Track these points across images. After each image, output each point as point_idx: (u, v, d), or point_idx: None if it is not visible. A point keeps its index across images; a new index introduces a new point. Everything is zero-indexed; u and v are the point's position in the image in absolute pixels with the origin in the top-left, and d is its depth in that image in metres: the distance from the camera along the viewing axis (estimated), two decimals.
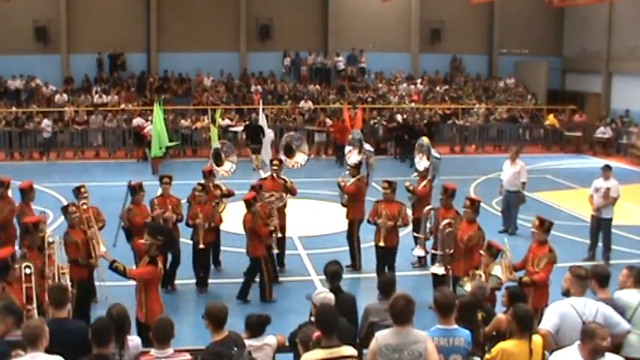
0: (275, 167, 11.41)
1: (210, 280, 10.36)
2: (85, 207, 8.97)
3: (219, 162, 11.79)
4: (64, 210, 8.79)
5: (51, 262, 7.45)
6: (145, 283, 7.18)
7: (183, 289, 10.33)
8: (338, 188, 11.47)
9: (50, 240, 7.68)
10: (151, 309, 7.09)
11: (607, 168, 12.05)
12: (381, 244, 10.01)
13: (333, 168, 19.83)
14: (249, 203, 9.81)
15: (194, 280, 10.36)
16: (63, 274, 7.54)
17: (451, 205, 9.59)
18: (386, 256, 10.08)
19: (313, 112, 24.86)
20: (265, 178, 11.42)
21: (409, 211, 11.07)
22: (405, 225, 10.37)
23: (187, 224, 10.24)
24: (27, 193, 9.74)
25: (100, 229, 9.38)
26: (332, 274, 6.68)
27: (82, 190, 9.51)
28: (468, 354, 5.19)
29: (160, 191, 10.49)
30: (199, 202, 10.24)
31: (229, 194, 11.16)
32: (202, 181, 10.76)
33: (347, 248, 11.25)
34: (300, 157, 12.32)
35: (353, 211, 11.27)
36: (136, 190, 9.88)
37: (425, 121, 23.53)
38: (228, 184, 11.55)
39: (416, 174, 11.83)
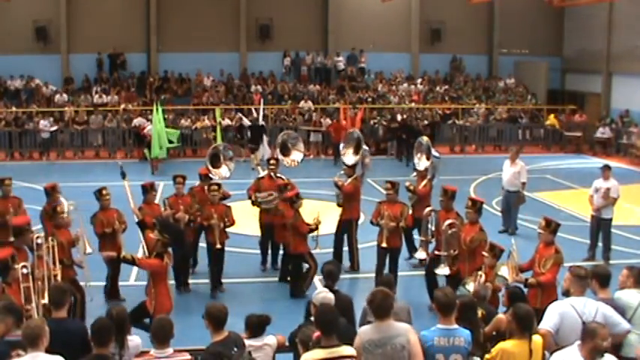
0: (272, 167, 11.39)
1: (208, 280, 10.33)
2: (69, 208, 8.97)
3: (216, 164, 11.61)
4: (53, 210, 8.80)
5: (40, 264, 7.39)
6: (153, 275, 7.45)
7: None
8: (335, 188, 11.40)
9: (39, 241, 7.58)
10: (160, 302, 7.34)
11: (607, 168, 12.04)
12: (384, 245, 9.92)
13: (332, 168, 19.80)
14: (291, 200, 10.01)
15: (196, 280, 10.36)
16: (55, 275, 7.52)
17: (451, 207, 9.46)
18: (389, 258, 10.02)
19: (314, 112, 24.83)
20: (262, 177, 11.38)
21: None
22: (408, 226, 10.30)
23: (201, 225, 10.18)
24: (51, 193, 9.68)
25: (122, 231, 9.42)
26: (327, 273, 6.84)
27: (104, 192, 9.52)
28: (468, 354, 5.19)
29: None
30: (213, 201, 10.19)
31: (224, 197, 11.09)
32: (218, 182, 10.71)
33: (346, 248, 11.21)
34: (297, 155, 12.29)
35: (349, 211, 11.20)
36: (147, 189, 9.92)
37: (427, 122, 23.53)
38: (225, 184, 11.51)
39: (415, 174, 11.81)
